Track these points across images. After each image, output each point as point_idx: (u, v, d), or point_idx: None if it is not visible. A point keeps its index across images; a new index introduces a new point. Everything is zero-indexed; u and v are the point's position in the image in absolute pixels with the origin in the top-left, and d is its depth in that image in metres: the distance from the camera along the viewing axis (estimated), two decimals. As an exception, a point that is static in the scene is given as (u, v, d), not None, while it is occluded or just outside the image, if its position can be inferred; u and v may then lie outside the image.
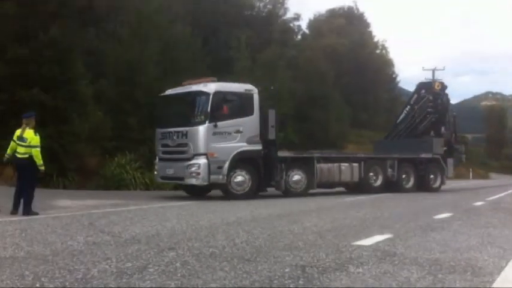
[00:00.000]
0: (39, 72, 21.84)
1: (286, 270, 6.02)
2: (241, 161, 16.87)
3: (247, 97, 17.35)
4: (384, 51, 79.90)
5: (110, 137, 24.89)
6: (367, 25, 79.25)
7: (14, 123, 21.26)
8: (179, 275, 5.75)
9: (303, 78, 43.77)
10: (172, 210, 13.36)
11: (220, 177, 16.52)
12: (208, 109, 16.32)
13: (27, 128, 11.85)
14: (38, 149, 11.71)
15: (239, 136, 16.83)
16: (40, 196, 15.72)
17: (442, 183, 23.22)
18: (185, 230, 9.44)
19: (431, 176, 22.80)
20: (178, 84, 18.55)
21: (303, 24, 76.40)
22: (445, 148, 23.26)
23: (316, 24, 76.18)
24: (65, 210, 12.84)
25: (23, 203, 11.61)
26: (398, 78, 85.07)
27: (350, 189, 21.76)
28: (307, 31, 72.19)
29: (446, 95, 25.08)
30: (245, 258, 6.71)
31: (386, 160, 21.48)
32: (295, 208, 14.49)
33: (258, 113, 17.35)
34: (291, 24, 60.81)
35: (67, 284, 5.27)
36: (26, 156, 11.70)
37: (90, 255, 6.74)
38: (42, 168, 11.85)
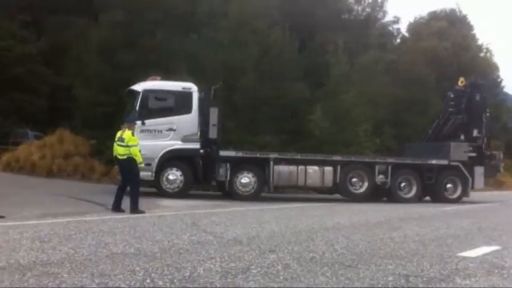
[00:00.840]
0: (144, 76, 22.84)
1: (389, 279, 5.93)
2: (174, 159, 16.75)
3: (184, 95, 17.18)
4: (488, 54, 76.11)
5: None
6: (470, 28, 75.85)
7: (121, 124, 22.54)
8: (281, 277, 5.82)
9: (402, 83, 42.73)
10: (270, 213, 13.52)
11: (149, 174, 16.35)
12: (137, 107, 16.60)
13: (127, 130, 12.51)
14: (136, 148, 12.35)
15: (172, 134, 16.79)
16: (146, 196, 16.54)
17: (464, 194, 19.98)
18: (284, 233, 9.52)
19: (449, 186, 19.82)
20: (276, 89, 18.76)
21: (403, 27, 74.34)
22: (473, 154, 19.98)
23: (417, 27, 73.93)
24: (169, 210, 13.35)
25: (130, 201, 12.20)
26: (503, 83, 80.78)
27: (326, 193, 20.03)
28: (406, 34, 70.33)
29: (480, 93, 21.27)
30: (346, 264, 6.68)
31: (375, 165, 19.06)
32: (395, 215, 14.18)
33: (197, 111, 17.15)
34: (390, 28, 59.53)
35: (175, 281, 5.49)
36: (125, 157, 12.41)
37: (195, 254, 6.97)
38: (142, 165, 12.52)
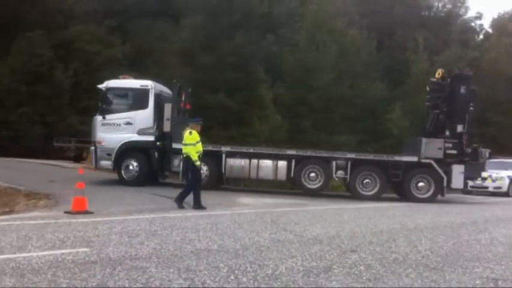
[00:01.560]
0: (223, 77, 23.30)
1: (477, 282, 5.76)
2: (131, 150, 17.84)
3: (142, 92, 18.06)
4: None
5: (286, 140, 25.68)
6: (560, 21, 71.76)
7: (202, 124, 23.08)
8: (364, 278, 5.79)
9: (486, 81, 41.11)
10: (349, 213, 13.40)
11: (109, 163, 17.92)
12: (99, 103, 18.24)
13: (188, 129, 12.94)
14: (191, 147, 12.74)
15: (129, 127, 17.91)
16: (225, 194, 16.83)
17: (437, 193, 18.00)
18: (364, 233, 9.43)
19: (421, 184, 17.99)
20: (353, 88, 18.61)
21: (486, 23, 71.46)
22: (453, 152, 17.92)
23: (501, 22, 70.83)
24: (248, 208, 13.53)
25: (193, 198, 12.63)
26: None
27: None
28: (490, 30, 67.54)
29: (466, 86, 18.83)
30: (431, 266, 6.54)
31: (332, 160, 18.08)
32: (480, 216, 13.69)
33: (153, 107, 18.01)
34: (472, 24, 57.39)
35: (258, 278, 5.58)
36: (185, 156, 12.85)
37: (276, 252, 7.05)
38: (197, 163, 12.80)
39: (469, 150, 17.85)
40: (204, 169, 17.22)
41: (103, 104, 18.25)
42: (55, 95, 30.92)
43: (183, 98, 18.97)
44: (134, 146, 17.97)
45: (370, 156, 18.64)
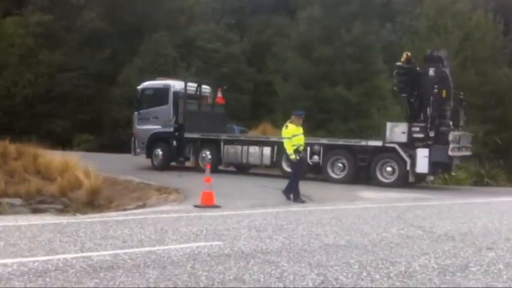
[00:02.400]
0: (342, 69, 23.10)
1: None
2: (158, 140, 20.79)
3: (164, 91, 20.89)
4: None
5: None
6: None
7: (321, 117, 23.09)
8: (504, 277, 5.52)
9: None
10: (478, 207, 12.78)
11: (143, 151, 21.08)
12: (136, 101, 21.62)
13: (288, 123, 13.10)
14: (286, 140, 12.93)
15: (157, 121, 20.96)
16: (346, 187, 16.73)
17: (402, 177, 17.47)
18: (499, 229, 8.96)
19: (388, 169, 17.66)
20: (479, 75, 17.58)
21: None
22: (419, 135, 17.30)
23: None
24: (370, 202, 13.34)
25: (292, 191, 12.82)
26: None
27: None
28: None
29: (430, 68, 17.88)
30: None
31: (307, 146, 17.43)
32: None
33: (172, 102, 20.66)
34: None
35: (392, 275, 5.51)
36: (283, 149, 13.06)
37: (407, 249, 6.90)
38: (292, 157, 12.87)
39: (433, 133, 17.07)
40: (207, 153, 20.12)
41: (138, 101, 21.44)
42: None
43: (218, 93, 21.94)
44: (158, 136, 20.81)
45: (340, 142, 19.16)
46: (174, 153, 20.76)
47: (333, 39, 23.72)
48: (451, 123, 17.07)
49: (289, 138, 12.94)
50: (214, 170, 18.48)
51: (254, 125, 27.89)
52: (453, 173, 18.87)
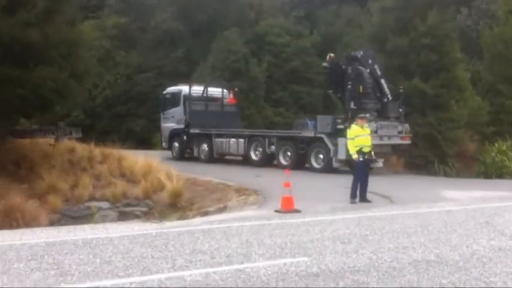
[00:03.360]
0: (418, 61, 22.49)
1: None
2: (175, 135, 25.15)
3: (177, 95, 25.33)
4: None
5: (488, 122, 24.05)
6: None
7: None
8: None
9: None
10: None
11: (166, 144, 25.73)
12: (160, 104, 26.52)
13: (353, 123, 13.69)
14: (348, 141, 13.32)
15: (173, 119, 25.38)
16: (425, 185, 16.36)
17: (328, 164, 20.21)
18: None
19: (320, 156, 20.69)
20: None
21: None
22: (340, 127, 19.74)
23: None
24: (454, 204, 12.99)
25: (358, 190, 13.00)
26: None
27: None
28: None
29: (349, 66, 20.71)
30: None
31: (266, 137, 22.47)
32: None
33: (182, 104, 24.88)
34: None
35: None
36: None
37: (501, 265, 6.70)
38: (354, 157, 13.10)
39: (347, 124, 17.91)
40: (205, 146, 23.98)
41: (162, 104, 26.19)
42: (251, 89, 32.49)
43: (230, 94, 25.66)
44: (175, 132, 25.05)
45: (285, 133, 22.69)
46: (184, 145, 24.77)
47: (407, 29, 23.08)
48: (368, 115, 17.39)
49: (351, 138, 13.25)
50: (212, 161, 23.36)
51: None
52: (378, 161, 19.37)
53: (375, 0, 26.72)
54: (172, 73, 35.11)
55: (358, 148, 13.03)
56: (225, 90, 25.62)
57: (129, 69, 36.53)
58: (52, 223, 14.30)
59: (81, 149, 19.48)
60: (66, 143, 19.98)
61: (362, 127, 13.28)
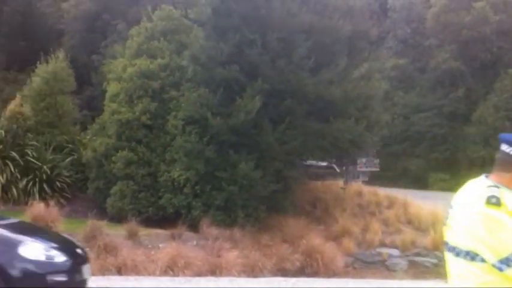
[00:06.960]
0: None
1: None
2: None
3: None
4: None
5: None
6: None
7: None
8: None
9: None
10: None
11: None
12: None
13: None
14: None
15: None
16: None
17: None
18: None
19: None
20: None
21: None
22: None
23: None
24: None
25: None
26: None
27: None
28: None
29: None
30: None
31: None
32: None
33: None
34: None
35: None
36: None
37: None
38: None
39: None
40: None
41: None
42: None
43: None
44: None
45: None
46: None
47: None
48: None
49: None
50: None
51: None
52: None
53: None
54: (452, 113, 34.67)
55: None
56: None
57: (406, 109, 37.10)
58: (346, 266, 15.50)
59: (367, 192, 20.46)
60: (354, 186, 21.24)
61: None
